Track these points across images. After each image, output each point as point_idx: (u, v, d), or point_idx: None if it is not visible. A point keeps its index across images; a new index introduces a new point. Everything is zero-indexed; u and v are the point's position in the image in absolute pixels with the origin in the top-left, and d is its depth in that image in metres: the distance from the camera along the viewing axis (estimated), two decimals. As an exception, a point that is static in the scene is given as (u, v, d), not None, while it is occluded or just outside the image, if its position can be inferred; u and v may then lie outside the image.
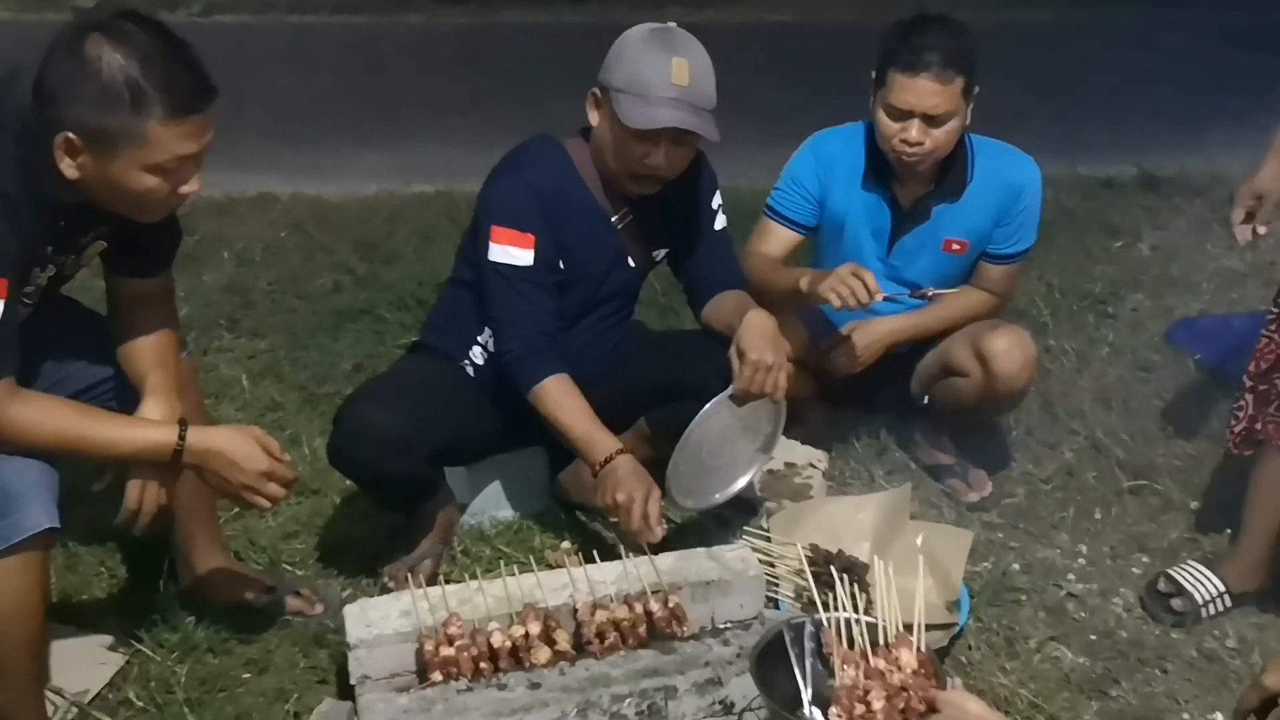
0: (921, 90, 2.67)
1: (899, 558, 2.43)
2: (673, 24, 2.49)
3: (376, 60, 8.13)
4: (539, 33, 8.99)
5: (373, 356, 3.72)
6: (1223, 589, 2.62)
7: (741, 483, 2.64)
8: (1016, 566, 2.82)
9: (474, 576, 2.45)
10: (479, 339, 2.71)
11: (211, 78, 1.91)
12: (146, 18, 1.87)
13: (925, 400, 3.10)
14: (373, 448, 2.50)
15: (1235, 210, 2.58)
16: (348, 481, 2.93)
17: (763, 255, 2.99)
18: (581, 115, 2.55)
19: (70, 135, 1.83)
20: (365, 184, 5.35)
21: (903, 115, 2.71)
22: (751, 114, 6.02)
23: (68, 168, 1.87)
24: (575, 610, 2.26)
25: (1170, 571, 2.68)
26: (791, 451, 3.06)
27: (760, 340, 2.45)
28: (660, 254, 2.79)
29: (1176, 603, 2.62)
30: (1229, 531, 2.84)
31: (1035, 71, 7.35)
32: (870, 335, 2.96)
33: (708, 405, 2.45)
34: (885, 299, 2.70)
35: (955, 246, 2.94)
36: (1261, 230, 2.55)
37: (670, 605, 2.27)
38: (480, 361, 2.72)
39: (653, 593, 2.30)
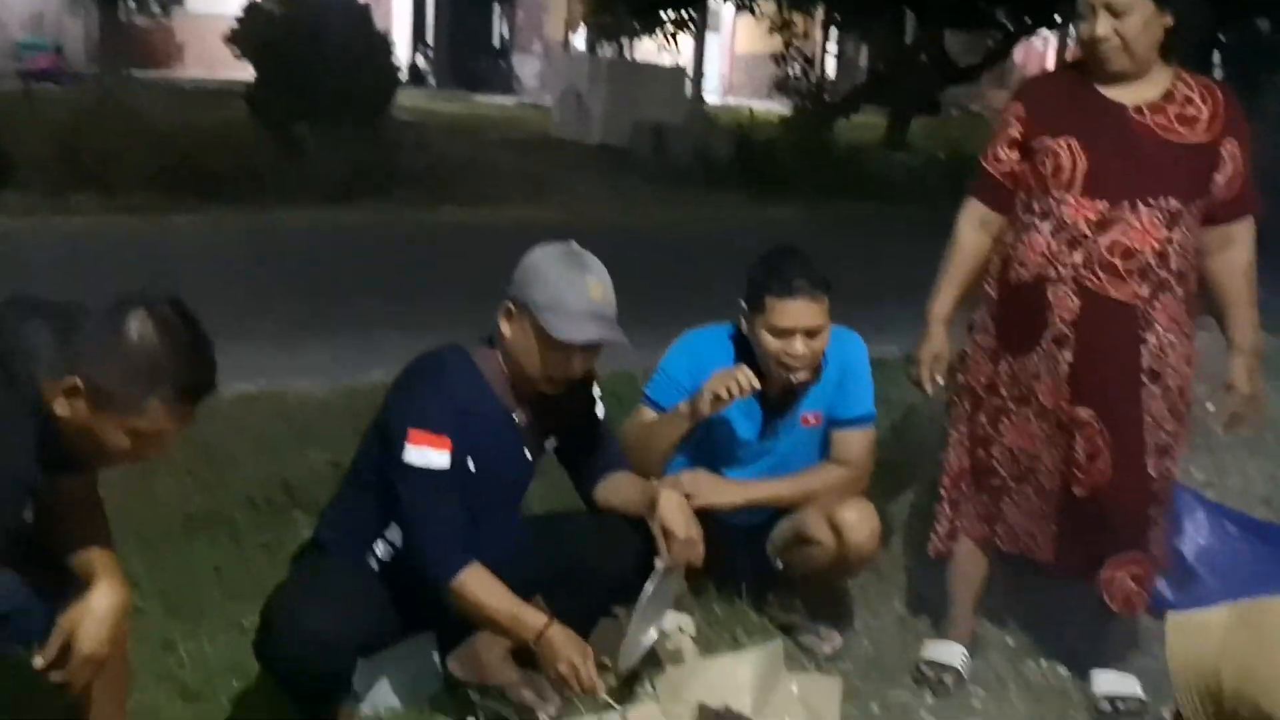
0: (800, 311, 3.13)
1: (779, 706, 2.75)
2: (573, 242, 2.84)
3: (154, 263, 8.06)
4: (309, 233, 9.22)
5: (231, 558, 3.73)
6: (965, 654, 3.32)
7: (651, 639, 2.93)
8: (874, 707, 3.16)
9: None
10: (383, 536, 2.84)
11: (215, 376, 2.17)
12: (185, 308, 2.14)
13: (779, 564, 3.44)
14: (305, 647, 2.58)
15: (923, 369, 3.24)
16: (235, 684, 2.98)
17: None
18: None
19: (78, 382, 2.04)
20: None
21: (786, 333, 3.15)
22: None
23: (60, 405, 2.06)
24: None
25: (926, 656, 3.33)
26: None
27: (682, 517, 2.80)
28: (551, 443, 3.05)
29: (948, 678, 3.26)
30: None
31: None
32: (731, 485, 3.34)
33: (650, 583, 2.77)
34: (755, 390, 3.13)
35: (810, 420, 3.37)
36: (941, 382, 3.25)
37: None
38: (383, 558, 2.85)
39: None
